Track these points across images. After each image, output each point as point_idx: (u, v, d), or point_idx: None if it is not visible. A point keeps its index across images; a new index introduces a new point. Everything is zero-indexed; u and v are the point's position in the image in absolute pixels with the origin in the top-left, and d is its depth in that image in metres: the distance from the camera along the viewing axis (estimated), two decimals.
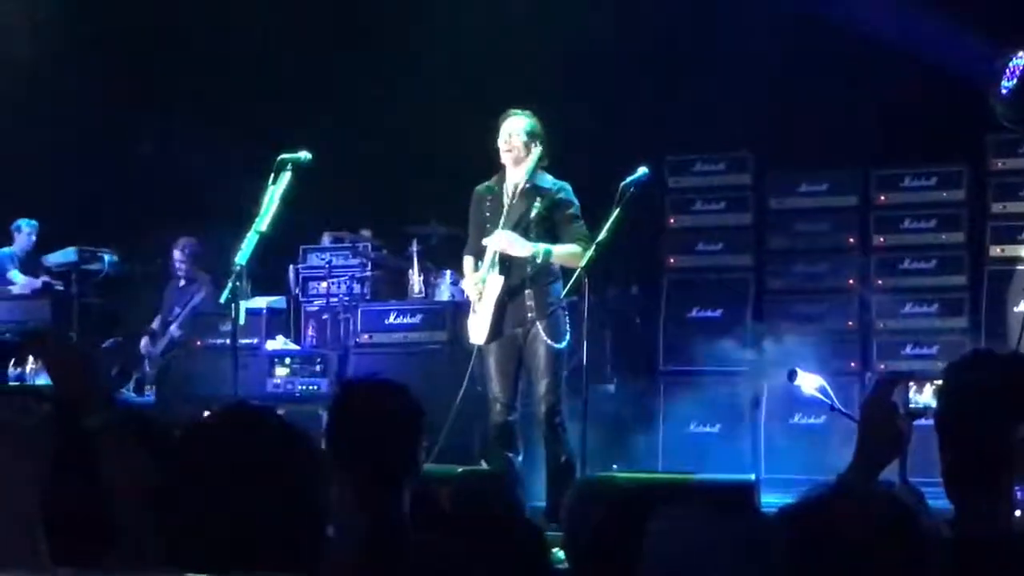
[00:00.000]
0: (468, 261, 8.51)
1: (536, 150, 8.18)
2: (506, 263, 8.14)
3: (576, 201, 8.22)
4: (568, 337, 8.22)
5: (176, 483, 2.53)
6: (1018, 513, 2.55)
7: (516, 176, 8.22)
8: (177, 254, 12.19)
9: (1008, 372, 2.99)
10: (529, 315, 8.14)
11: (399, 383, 4.08)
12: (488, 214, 8.30)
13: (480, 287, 8.22)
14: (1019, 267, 9.60)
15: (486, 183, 8.42)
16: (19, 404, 2.83)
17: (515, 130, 8.17)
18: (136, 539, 2.88)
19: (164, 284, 12.39)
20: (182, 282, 12.19)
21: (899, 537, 2.40)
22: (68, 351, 3.10)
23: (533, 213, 8.14)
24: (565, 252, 8.07)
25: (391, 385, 4.07)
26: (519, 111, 8.25)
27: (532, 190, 8.18)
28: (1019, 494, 2.54)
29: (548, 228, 8.14)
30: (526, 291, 8.13)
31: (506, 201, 8.24)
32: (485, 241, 8.15)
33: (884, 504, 2.45)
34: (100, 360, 3.53)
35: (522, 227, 8.14)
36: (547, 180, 8.23)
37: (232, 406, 2.73)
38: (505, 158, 8.22)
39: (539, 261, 8.02)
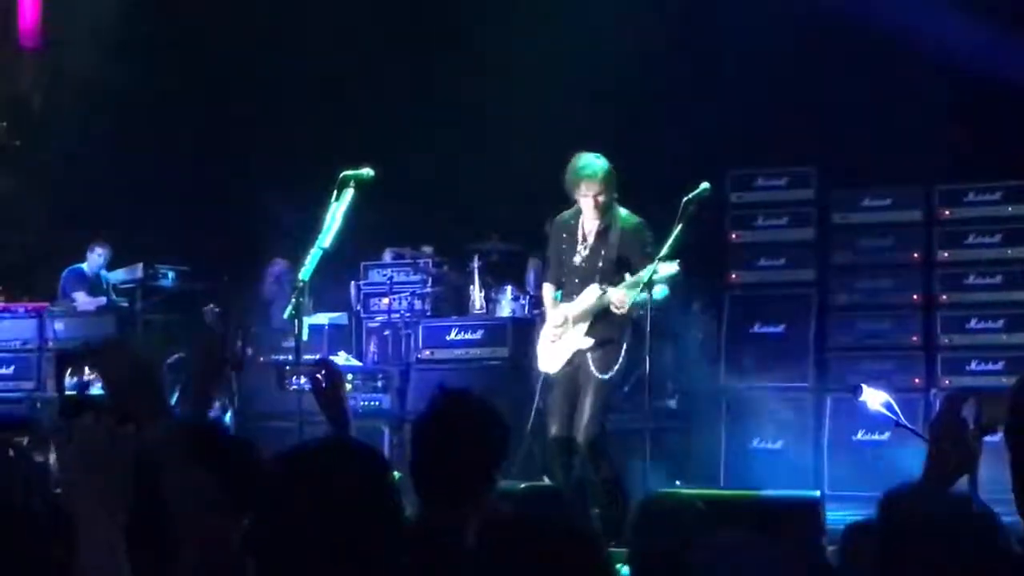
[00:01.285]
0: (549, 290, 8.56)
1: (613, 193, 8.24)
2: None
3: (651, 237, 8.24)
4: (619, 367, 8.25)
5: (269, 514, 2.56)
6: None
7: (595, 214, 8.27)
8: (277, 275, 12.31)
9: None
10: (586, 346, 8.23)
11: (491, 402, 4.08)
12: (564, 246, 8.38)
13: (566, 325, 8.29)
14: None
15: (565, 214, 8.46)
16: (85, 425, 2.86)
17: (592, 186, 8.19)
18: (194, 551, 2.91)
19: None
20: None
21: (986, 546, 2.40)
22: (124, 361, 3.13)
23: (616, 251, 8.21)
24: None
25: (486, 403, 4.07)
26: (591, 158, 8.23)
27: (609, 230, 8.24)
28: None
29: (622, 263, 8.20)
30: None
31: (582, 235, 8.31)
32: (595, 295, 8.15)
33: (976, 513, 2.45)
34: (156, 372, 3.57)
35: (598, 264, 8.22)
36: (622, 217, 8.27)
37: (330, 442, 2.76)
38: (586, 203, 8.26)
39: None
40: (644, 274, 7.98)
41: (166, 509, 2.97)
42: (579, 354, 8.26)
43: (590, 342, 8.19)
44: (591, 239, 8.32)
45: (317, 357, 5.14)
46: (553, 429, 8.32)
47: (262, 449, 3.63)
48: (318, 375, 4.39)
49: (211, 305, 11.88)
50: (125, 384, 3.06)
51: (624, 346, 8.30)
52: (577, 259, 8.33)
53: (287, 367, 10.42)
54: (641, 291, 7.99)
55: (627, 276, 8.15)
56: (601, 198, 8.20)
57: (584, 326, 8.23)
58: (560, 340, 8.32)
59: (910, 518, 2.62)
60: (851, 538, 4.38)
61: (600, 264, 8.25)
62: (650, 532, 5.01)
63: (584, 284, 8.30)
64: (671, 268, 8.08)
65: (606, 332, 8.20)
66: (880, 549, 2.61)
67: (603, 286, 8.10)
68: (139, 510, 3.01)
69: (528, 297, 11.56)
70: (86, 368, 3.41)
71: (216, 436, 3.57)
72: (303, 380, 5.01)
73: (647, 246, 8.19)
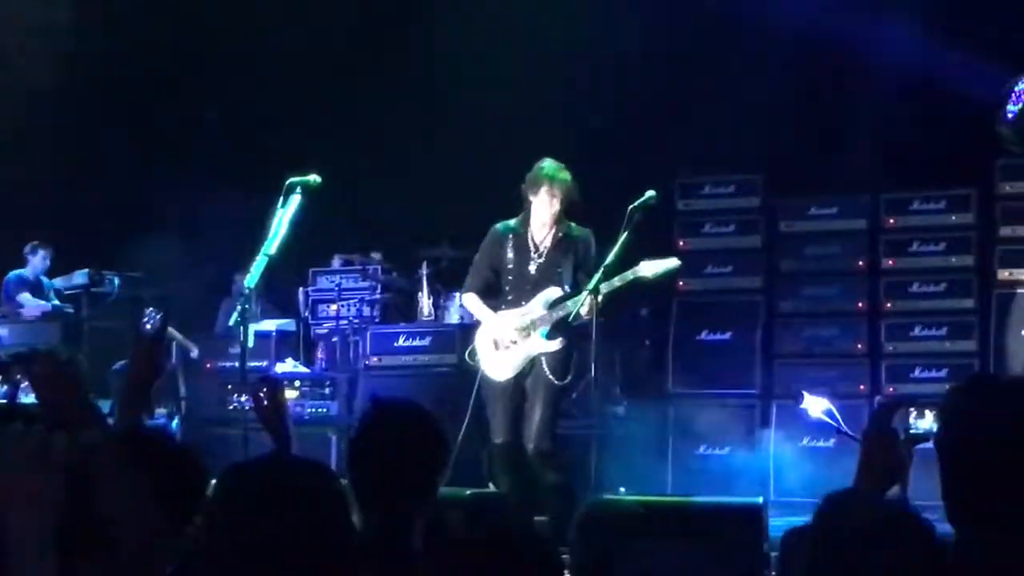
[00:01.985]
0: (474, 299, 8.54)
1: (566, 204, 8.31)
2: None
3: (594, 247, 8.32)
4: (570, 376, 8.31)
5: (216, 523, 2.56)
6: None
7: (546, 223, 8.30)
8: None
9: (1009, 397, 2.99)
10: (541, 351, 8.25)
11: (427, 410, 4.08)
12: (511, 255, 8.37)
13: (527, 330, 8.29)
14: None
15: (508, 223, 8.48)
16: (15, 431, 2.85)
17: (565, 195, 8.24)
18: (132, 557, 2.90)
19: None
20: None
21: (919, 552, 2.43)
22: (54, 369, 3.13)
23: (571, 261, 8.28)
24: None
25: (422, 411, 4.07)
26: (561, 171, 8.28)
27: (566, 239, 8.29)
28: None
29: (575, 273, 8.27)
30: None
31: (532, 244, 8.33)
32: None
33: (902, 514, 2.48)
34: (86, 379, 3.56)
35: (557, 274, 8.27)
36: (573, 228, 8.34)
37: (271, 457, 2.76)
38: (544, 207, 8.28)
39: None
40: (617, 280, 8.02)
41: (101, 516, 2.96)
42: (533, 362, 8.27)
43: (557, 345, 8.20)
44: (546, 248, 8.34)
45: (258, 376, 5.11)
46: (499, 436, 8.34)
47: (206, 455, 3.63)
48: (259, 392, 4.40)
49: (150, 309, 11.81)
50: (55, 391, 3.05)
51: (574, 352, 8.36)
52: (532, 268, 8.34)
53: (228, 385, 10.40)
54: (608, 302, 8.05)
55: (579, 285, 8.19)
56: (562, 207, 8.25)
57: (545, 329, 8.25)
58: (516, 346, 8.31)
59: (842, 524, 2.65)
60: (788, 543, 4.42)
61: (557, 273, 8.28)
62: (591, 538, 5.03)
63: (536, 292, 8.32)
64: (668, 263, 8.13)
65: (563, 338, 8.23)
66: (810, 554, 2.63)
67: (597, 282, 8.08)
68: (72, 517, 3.00)
69: None
70: (17, 376, 3.41)
71: (154, 442, 3.56)
72: (244, 398, 5.01)
73: (593, 256, 8.26)
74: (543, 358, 8.23)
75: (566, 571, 4.96)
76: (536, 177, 8.30)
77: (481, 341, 8.49)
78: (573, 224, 8.40)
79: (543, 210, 8.30)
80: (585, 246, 8.34)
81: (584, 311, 8.06)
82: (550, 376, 8.19)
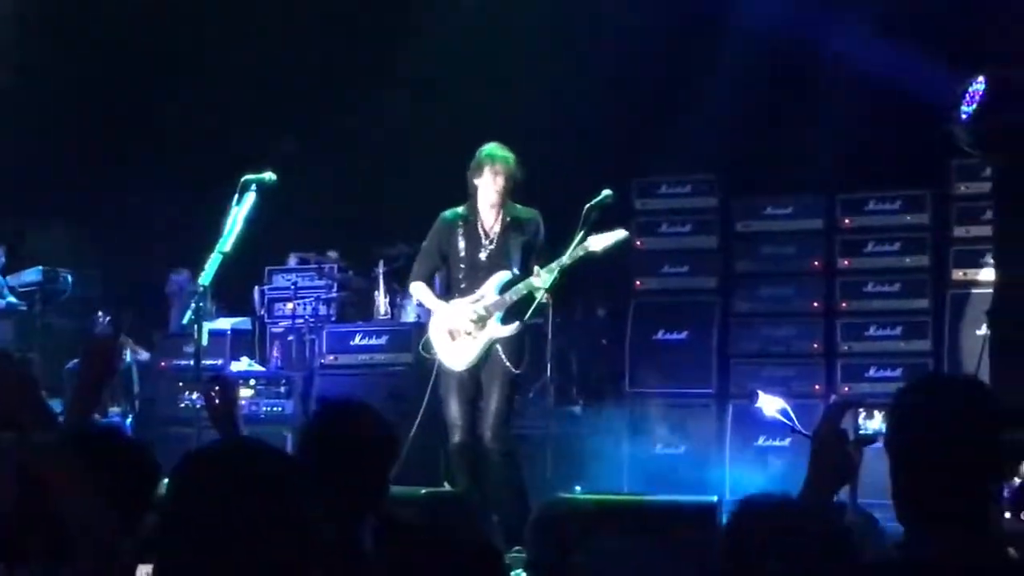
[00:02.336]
0: (421, 287, 8.54)
1: (513, 188, 8.33)
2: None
3: (543, 228, 8.35)
4: (526, 362, 8.32)
5: (176, 510, 2.54)
6: (1008, 515, 2.58)
7: (493, 207, 8.31)
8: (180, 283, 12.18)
9: (956, 396, 3.01)
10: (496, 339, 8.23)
11: (374, 408, 4.09)
12: (462, 243, 8.36)
13: (482, 320, 8.28)
14: (981, 290, 9.64)
15: (455, 210, 8.48)
16: None
17: (505, 175, 8.25)
18: (87, 556, 2.89)
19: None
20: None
21: (828, 557, 2.45)
22: (6, 370, 3.11)
23: (521, 245, 8.29)
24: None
25: (368, 409, 4.07)
26: (500, 149, 8.30)
27: (514, 223, 8.29)
28: (1007, 493, 2.57)
29: (527, 255, 8.25)
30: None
31: (482, 231, 8.33)
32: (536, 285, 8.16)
33: (822, 520, 2.49)
34: (34, 379, 3.55)
35: (508, 259, 8.23)
36: (520, 210, 8.35)
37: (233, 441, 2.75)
38: (489, 197, 8.29)
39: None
40: (565, 258, 8.03)
41: (54, 516, 2.95)
42: (488, 351, 8.25)
43: (513, 328, 8.19)
44: (496, 233, 8.34)
45: (210, 375, 5.10)
46: (456, 435, 8.32)
47: (160, 454, 3.62)
48: (211, 391, 4.39)
49: (99, 313, 11.78)
50: (7, 393, 3.03)
51: (528, 339, 8.36)
52: (482, 255, 8.34)
53: (180, 383, 10.36)
54: (559, 273, 8.05)
55: (535, 266, 8.20)
56: (507, 185, 8.24)
57: (500, 315, 8.24)
58: (473, 334, 8.29)
59: (754, 528, 2.66)
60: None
61: (508, 257, 8.27)
62: (546, 537, 5.03)
63: (489, 278, 8.32)
64: (616, 235, 8.14)
65: (519, 321, 8.22)
66: (721, 558, 2.65)
67: (553, 281, 8.09)
68: (23, 517, 2.99)
69: None
70: None
71: (105, 440, 3.55)
72: (196, 395, 5.02)
73: (542, 236, 8.26)
74: (499, 345, 8.21)
75: (519, 571, 4.96)
76: (478, 159, 8.32)
77: (435, 331, 8.47)
78: (520, 206, 8.42)
79: (488, 191, 8.31)
80: (534, 228, 8.37)
81: (540, 294, 8.08)
82: (507, 363, 8.18)
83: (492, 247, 8.36)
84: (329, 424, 3.99)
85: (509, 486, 8.21)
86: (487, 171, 8.28)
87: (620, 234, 8.22)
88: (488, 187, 8.30)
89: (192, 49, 12.63)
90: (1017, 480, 2.46)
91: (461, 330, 8.33)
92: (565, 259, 8.04)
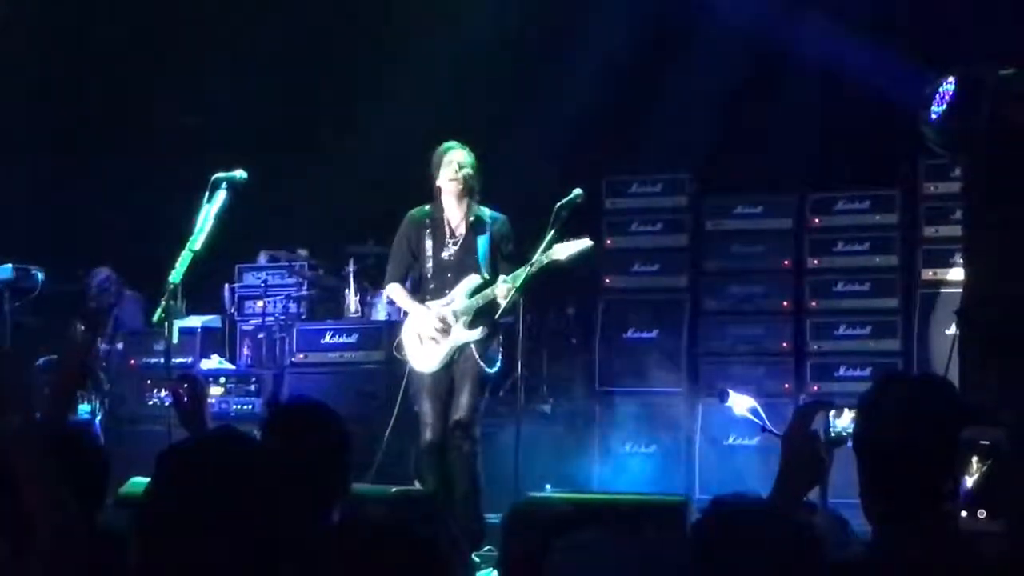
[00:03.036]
0: (397, 289, 8.55)
1: (478, 183, 8.31)
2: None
3: (512, 234, 8.37)
4: (499, 362, 8.34)
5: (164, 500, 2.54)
6: (964, 514, 2.59)
7: (459, 207, 8.33)
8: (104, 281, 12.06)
9: (923, 395, 3.03)
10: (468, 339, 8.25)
11: (327, 406, 4.09)
12: (429, 242, 8.38)
13: (448, 322, 8.29)
14: (950, 290, 9.68)
15: (422, 208, 8.50)
16: None
17: (464, 163, 8.26)
18: (48, 541, 2.91)
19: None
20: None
21: (797, 559, 2.46)
22: None
23: (486, 246, 8.28)
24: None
25: (319, 409, 4.08)
26: (458, 144, 8.33)
27: (478, 222, 8.30)
28: (963, 491, 2.58)
29: (492, 259, 8.26)
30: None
31: (448, 230, 8.34)
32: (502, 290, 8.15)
33: (790, 522, 2.50)
34: (14, 362, 3.58)
35: (473, 258, 8.24)
36: (486, 212, 8.37)
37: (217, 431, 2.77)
38: (451, 188, 8.30)
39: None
40: (529, 267, 8.04)
41: (18, 500, 2.97)
42: (461, 349, 8.27)
43: (479, 333, 8.20)
44: (460, 233, 8.36)
45: (180, 374, 5.12)
46: (427, 435, 8.32)
47: (129, 451, 3.64)
48: (180, 389, 4.40)
49: (80, 325, 11.73)
50: None
51: (500, 339, 8.38)
52: (446, 254, 8.36)
53: (148, 380, 10.33)
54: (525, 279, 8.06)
55: (499, 269, 8.21)
56: (467, 178, 8.23)
57: (467, 319, 8.26)
58: (441, 338, 8.30)
59: (723, 531, 2.68)
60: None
61: (474, 258, 8.29)
62: (519, 537, 5.03)
63: (457, 279, 8.33)
64: (581, 244, 8.14)
65: (488, 325, 8.24)
66: (691, 561, 2.66)
67: (522, 284, 8.09)
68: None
69: None
70: None
71: (72, 440, 3.57)
72: (164, 393, 5.05)
73: (511, 242, 8.29)
74: (472, 346, 8.23)
75: (490, 570, 4.95)
76: (437, 157, 8.34)
77: (407, 334, 8.48)
78: (487, 209, 8.43)
79: (450, 187, 8.32)
80: (501, 231, 8.37)
81: (499, 296, 8.08)
82: (480, 363, 8.19)
83: (457, 247, 8.37)
84: (284, 424, 4.00)
85: (469, 484, 8.22)
86: (444, 167, 8.30)
87: (585, 243, 8.22)
88: (449, 186, 8.31)
89: (162, 49, 12.58)
90: (971, 477, 2.47)
91: (427, 334, 8.33)
92: (530, 268, 8.05)
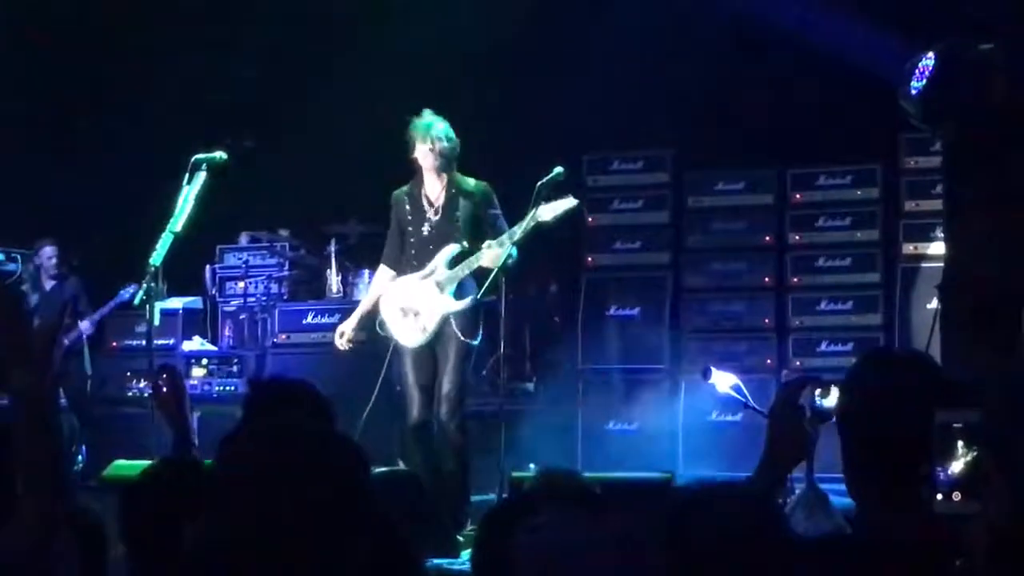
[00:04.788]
0: (386, 272, 8.53)
1: (455, 153, 8.28)
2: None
3: (496, 200, 8.33)
4: (480, 332, 8.30)
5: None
6: (940, 496, 2.58)
7: (438, 180, 8.31)
8: (49, 257, 11.97)
9: (907, 371, 3.03)
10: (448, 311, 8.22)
11: (310, 384, 4.08)
12: (410, 217, 8.37)
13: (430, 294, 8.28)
14: (931, 264, 9.69)
15: (402, 188, 8.48)
16: None
17: (439, 135, 8.23)
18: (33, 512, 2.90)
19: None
20: (50, 284, 11.96)
21: (759, 541, 2.47)
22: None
23: (469, 217, 8.24)
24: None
25: (302, 387, 4.06)
26: (433, 115, 8.30)
27: (460, 193, 8.28)
28: (941, 475, 2.58)
29: (476, 228, 8.23)
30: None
31: (427, 204, 8.32)
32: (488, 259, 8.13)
33: (749, 507, 2.51)
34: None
35: (454, 229, 8.21)
36: (467, 182, 8.34)
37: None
38: (427, 163, 8.29)
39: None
40: (517, 229, 8.03)
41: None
42: (445, 321, 8.23)
43: (466, 303, 8.18)
44: (441, 205, 8.33)
45: (159, 365, 5.10)
46: (413, 410, 8.31)
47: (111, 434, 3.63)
48: (159, 381, 4.40)
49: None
50: None
51: (481, 310, 8.34)
52: (426, 228, 8.34)
53: (128, 372, 10.31)
54: (513, 244, 8.04)
55: (487, 236, 8.18)
56: (443, 152, 8.21)
57: (452, 290, 8.23)
58: (425, 310, 8.27)
59: (688, 512, 2.68)
60: None
61: (454, 230, 8.26)
62: (499, 516, 5.01)
63: (438, 250, 8.31)
64: (566, 204, 8.11)
65: (468, 296, 8.21)
66: (667, 547, 2.66)
67: (505, 261, 8.07)
68: None
69: None
70: None
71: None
72: (144, 383, 5.05)
73: (495, 207, 8.26)
74: (452, 319, 8.19)
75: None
76: (411, 131, 8.31)
77: (387, 309, 8.45)
78: (470, 180, 8.40)
79: (427, 163, 8.30)
80: (483, 200, 8.32)
81: (486, 262, 8.06)
82: (460, 336, 8.16)
83: (437, 218, 8.34)
84: (266, 404, 3.99)
85: (456, 462, 8.22)
86: (419, 143, 8.29)
87: (570, 202, 8.16)
88: (425, 159, 8.30)
89: (137, 27, 12.51)
90: (956, 464, 2.46)
91: (412, 306, 8.31)
92: (517, 231, 8.03)
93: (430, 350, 8.30)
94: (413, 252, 8.41)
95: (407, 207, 8.42)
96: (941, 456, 2.57)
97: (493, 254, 8.05)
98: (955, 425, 2.57)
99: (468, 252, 8.23)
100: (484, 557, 3.01)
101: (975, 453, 2.52)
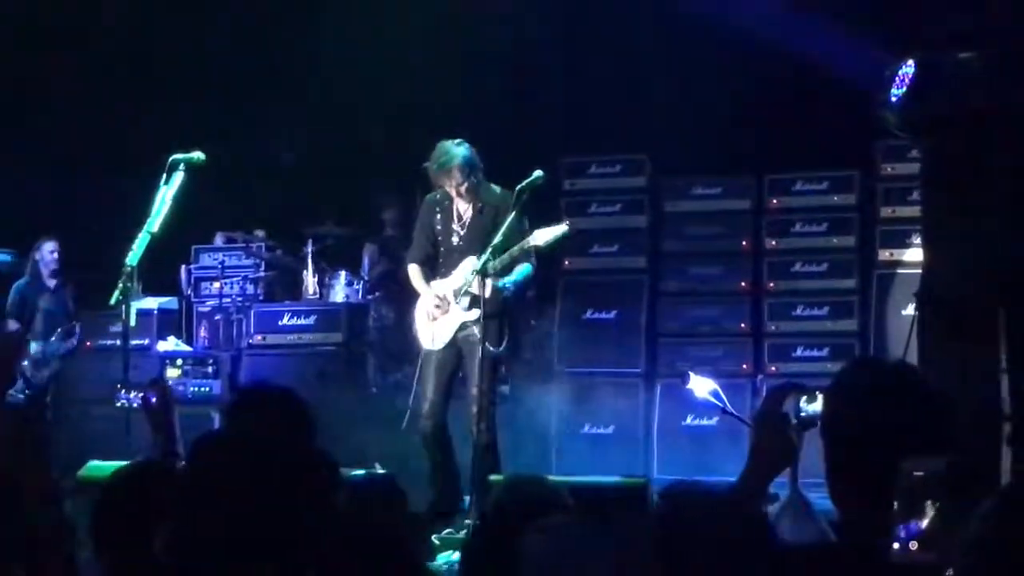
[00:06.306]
0: (414, 270, 8.60)
1: (480, 175, 8.29)
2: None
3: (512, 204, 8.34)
4: (507, 340, 8.39)
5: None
6: (896, 546, 2.57)
7: (466, 198, 8.37)
8: (51, 251, 11.91)
9: (891, 380, 3.03)
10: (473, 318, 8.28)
11: (293, 393, 4.08)
12: (439, 227, 8.44)
13: (445, 302, 8.33)
14: (907, 271, 9.72)
15: (435, 194, 8.53)
16: None
17: (459, 180, 8.26)
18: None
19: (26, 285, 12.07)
20: (52, 282, 11.91)
21: (745, 550, 2.48)
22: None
23: (492, 230, 8.29)
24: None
25: (285, 395, 4.06)
26: (448, 147, 8.30)
27: (486, 207, 8.40)
28: (902, 532, 2.56)
29: (504, 237, 8.29)
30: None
31: (456, 217, 8.45)
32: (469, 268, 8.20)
33: (735, 515, 2.52)
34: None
35: (479, 243, 8.32)
36: (493, 195, 8.38)
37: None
38: (453, 192, 8.35)
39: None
40: (505, 256, 8.08)
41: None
42: (463, 328, 8.29)
43: (475, 315, 8.21)
44: (469, 217, 8.42)
45: (150, 379, 5.13)
46: (425, 407, 8.37)
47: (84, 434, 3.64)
48: (149, 395, 4.43)
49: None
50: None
51: (507, 319, 8.41)
52: (455, 239, 8.45)
53: (118, 384, 10.21)
54: (503, 271, 8.09)
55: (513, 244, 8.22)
56: (464, 187, 8.29)
57: (466, 300, 8.29)
58: (442, 317, 8.36)
59: (674, 518, 2.69)
60: None
61: (484, 241, 8.29)
62: (501, 512, 5.02)
63: (463, 261, 8.39)
64: (559, 230, 8.17)
65: (490, 306, 8.24)
66: (654, 548, 2.66)
67: (484, 263, 8.12)
68: None
69: (363, 282, 11.54)
70: None
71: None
72: (133, 395, 5.02)
73: (507, 213, 8.24)
74: (475, 327, 8.23)
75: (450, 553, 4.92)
76: (432, 173, 8.37)
77: (418, 313, 8.56)
78: (496, 188, 8.46)
79: (454, 193, 8.38)
80: (503, 210, 8.35)
81: (476, 290, 8.13)
82: (485, 344, 8.19)
83: (464, 231, 8.48)
84: (248, 408, 3.99)
85: (483, 473, 8.18)
86: (444, 183, 8.37)
87: (562, 228, 8.32)
88: (450, 191, 8.40)
89: (120, 29, 12.46)
90: (923, 519, 2.45)
91: (434, 312, 8.44)
92: (506, 257, 8.12)
93: (452, 353, 8.38)
94: (441, 260, 8.54)
95: (438, 215, 8.53)
96: (903, 506, 2.57)
97: (478, 282, 8.13)
98: (915, 473, 2.57)
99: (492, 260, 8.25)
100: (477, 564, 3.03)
101: (937, 505, 2.51)
